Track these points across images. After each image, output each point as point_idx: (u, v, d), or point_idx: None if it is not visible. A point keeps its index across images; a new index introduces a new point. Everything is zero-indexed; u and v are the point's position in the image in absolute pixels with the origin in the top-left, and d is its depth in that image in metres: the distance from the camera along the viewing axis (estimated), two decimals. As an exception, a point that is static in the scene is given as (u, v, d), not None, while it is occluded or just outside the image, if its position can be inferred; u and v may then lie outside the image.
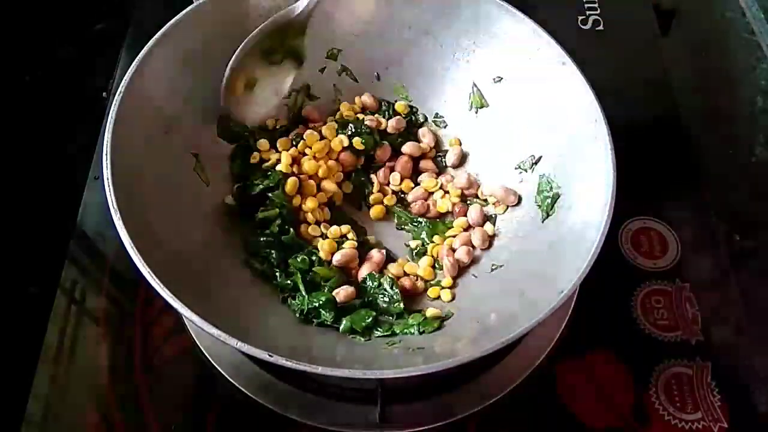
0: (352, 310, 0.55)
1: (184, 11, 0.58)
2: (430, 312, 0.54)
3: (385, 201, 0.62)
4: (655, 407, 0.56)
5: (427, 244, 0.60)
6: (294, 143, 0.62)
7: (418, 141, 0.65)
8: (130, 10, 0.81)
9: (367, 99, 0.65)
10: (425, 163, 0.64)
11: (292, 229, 0.58)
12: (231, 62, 0.57)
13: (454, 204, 0.62)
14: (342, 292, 0.55)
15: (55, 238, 0.64)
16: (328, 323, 0.54)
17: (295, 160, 0.61)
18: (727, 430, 0.55)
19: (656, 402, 0.56)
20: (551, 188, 0.57)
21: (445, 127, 0.66)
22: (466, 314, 0.55)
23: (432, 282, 0.58)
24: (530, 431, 0.56)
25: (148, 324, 0.60)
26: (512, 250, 0.58)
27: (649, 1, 0.83)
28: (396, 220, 0.62)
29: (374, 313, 0.54)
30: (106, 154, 0.50)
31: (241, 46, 0.58)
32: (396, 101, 0.66)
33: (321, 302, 0.54)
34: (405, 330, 0.53)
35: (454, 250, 0.58)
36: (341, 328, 0.53)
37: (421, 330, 0.53)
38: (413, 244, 0.60)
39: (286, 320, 0.54)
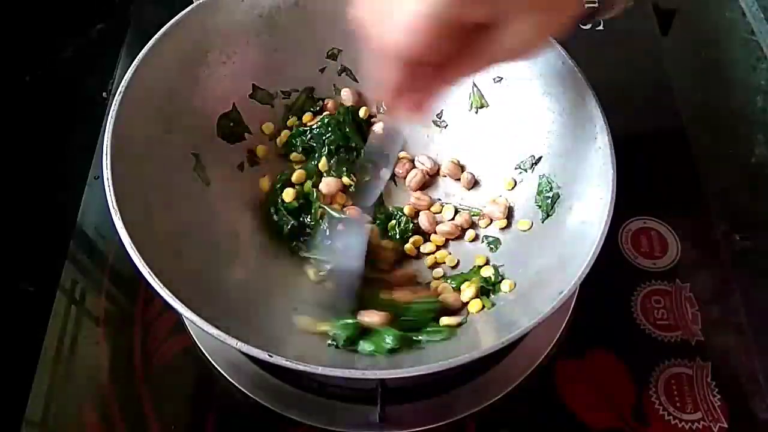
0: (370, 331, 0.52)
1: (184, 11, 0.58)
2: (445, 320, 0.53)
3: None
4: (655, 407, 0.56)
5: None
6: None
7: None
8: (130, 10, 0.81)
9: None
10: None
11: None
12: None
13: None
14: (369, 317, 0.52)
15: (55, 238, 0.64)
16: (338, 346, 0.51)
17: None
18: (727, 430, 0.55)
19: (656, 402, 0.56)
20: (551, 188, 0.57)
21: (445, 126, 0.65)
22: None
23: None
24: (530, 431, 0.56)
25: (148, 324, 0.60)
26: (512, 251, 0.58)
27: (649, 1, 0.83)
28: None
29: (397, 333, 0.51)
30: (106, 154, 0.50)
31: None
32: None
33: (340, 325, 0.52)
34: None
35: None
36: (363, 351, 0.51)
37: (428, 339, 0.52)
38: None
39: (287, 319, 0.54)
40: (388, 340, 0.50)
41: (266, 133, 0.63)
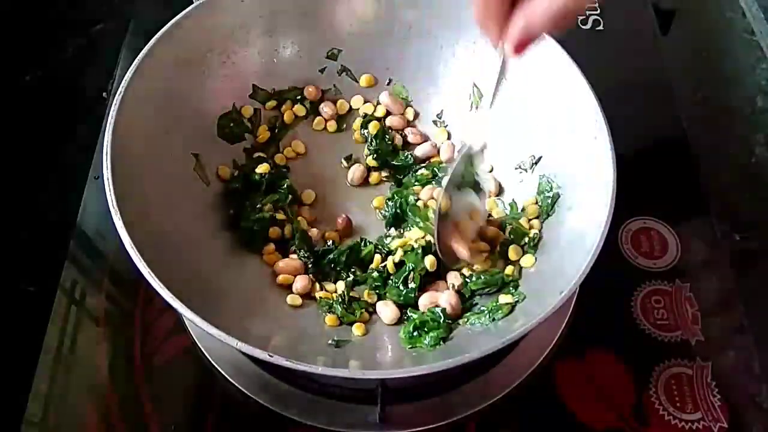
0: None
1: (184, 11, 0.58)
2: (504, 298, 0.53)
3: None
4: (655, 407, 0.56)
5: None
6: None
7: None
8: (130, 10, 0.82)
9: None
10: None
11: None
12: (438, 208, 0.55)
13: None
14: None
15: (55, 238, 0.64)
16: (338, 345, 0.52)
17: None
18: (727, 430, 0.55)
19: (656, 402, 0.56)
20: (551, 188, 0.57)
21: (445, 127, 0.65)
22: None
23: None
24: (530, 431, 0.56)
25: (148, 324, 0.60)
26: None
27: (649, 1, 0.83)
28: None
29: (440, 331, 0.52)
30: (106, 154, 0.50)
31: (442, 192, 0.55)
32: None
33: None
34: (475, 321, 0.52)
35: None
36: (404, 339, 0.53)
37: (492, 317, 0.52)
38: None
39: (287, 319, 0.54)
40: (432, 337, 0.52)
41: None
